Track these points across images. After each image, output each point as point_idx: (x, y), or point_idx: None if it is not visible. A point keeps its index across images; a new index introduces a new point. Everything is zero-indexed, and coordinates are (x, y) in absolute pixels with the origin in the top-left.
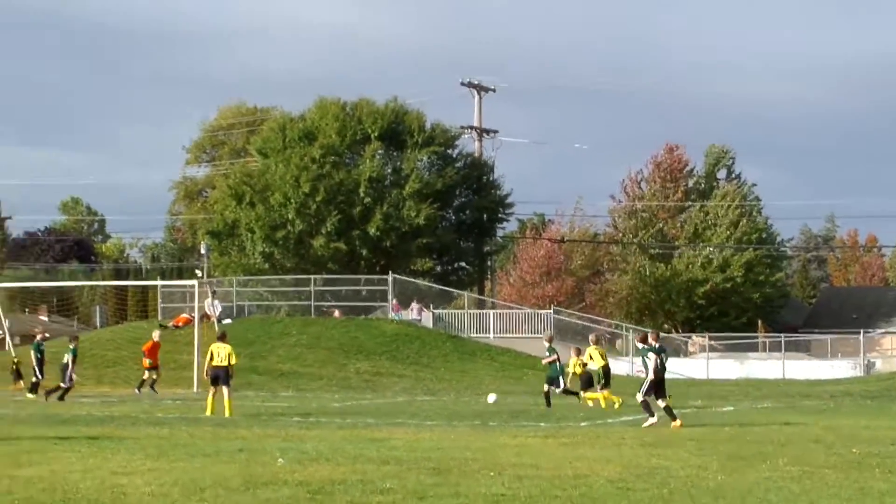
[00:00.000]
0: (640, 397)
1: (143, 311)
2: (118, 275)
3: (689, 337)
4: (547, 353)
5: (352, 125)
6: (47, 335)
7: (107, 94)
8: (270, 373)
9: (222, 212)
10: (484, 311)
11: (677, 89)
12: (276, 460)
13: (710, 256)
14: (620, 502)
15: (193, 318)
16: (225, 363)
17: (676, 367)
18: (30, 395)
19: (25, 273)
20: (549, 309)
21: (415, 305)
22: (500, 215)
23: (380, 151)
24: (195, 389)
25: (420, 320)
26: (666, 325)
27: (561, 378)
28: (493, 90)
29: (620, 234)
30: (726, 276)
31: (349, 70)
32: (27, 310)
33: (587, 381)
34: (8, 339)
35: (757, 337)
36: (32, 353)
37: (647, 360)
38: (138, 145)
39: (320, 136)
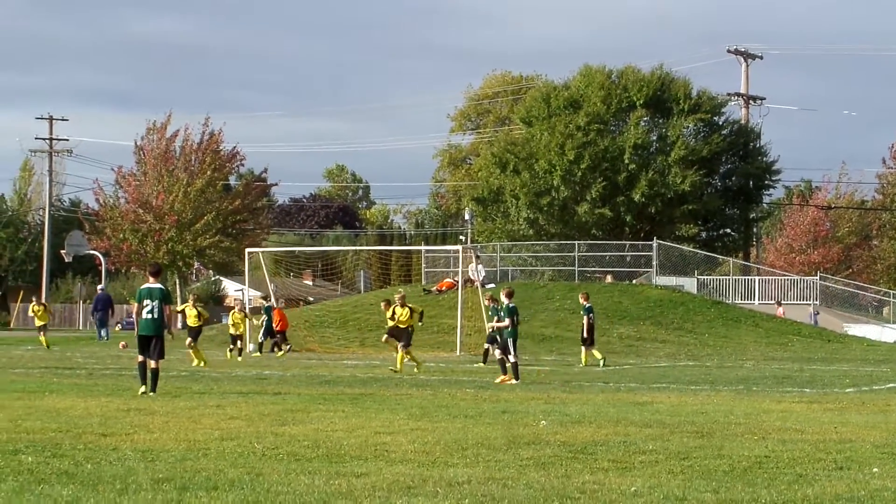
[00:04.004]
0: (497, 354)
1: (406, 275)
2: (382, 240)
3: None
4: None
5: (617, 93)
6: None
7: (374, 63)
8: (533, 337)
9: (487, 179)
10: (749, 278)
11: None
12: (538, 422)
13: None
14: (886, 465)
15: (457, 282)
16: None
17: None
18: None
19: (291, 238)
20: (816, 276)
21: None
22: (766, 182)
23: (645, 119)
24: (458, 353)
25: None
26: None
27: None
28: (761, 57)
29: (888, 201)
30: None
31: (615, 39)
32: (292, 274)
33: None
34: (273, 302)
35: None
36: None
37: (502, 317)
38: (404, 114)
39: (585, 104)
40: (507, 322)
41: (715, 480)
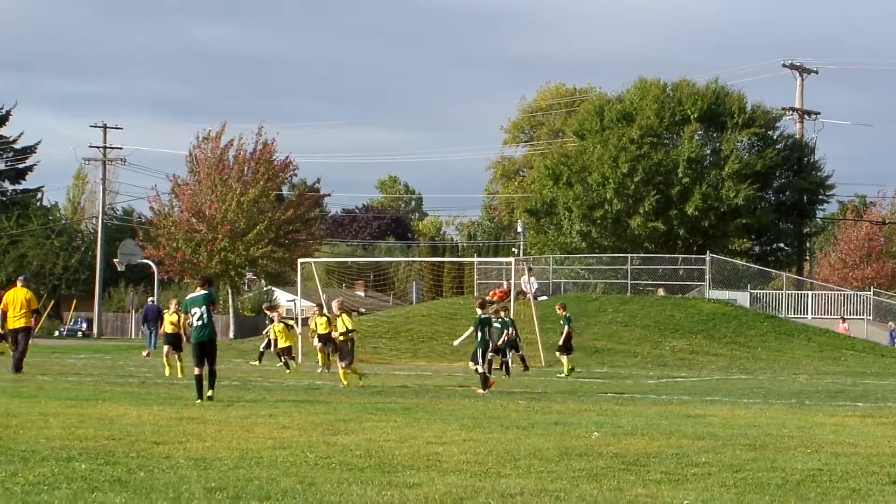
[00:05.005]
0: (471, 365)
1: (458, 287)
2: (434, 252)
3: None
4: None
5: (671, 106)
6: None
7: (428, 74)
8: (585, 349)
9: (540, 191)
10: (802, 292)
11: None
12: (591, 433)
13: None
14: None
15: (508, 292)
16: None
17: None
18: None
19: (343, 249)
20: (869, 291)
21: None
22: (820, 197)
23: (699, 132)
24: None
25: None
26: None
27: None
28: (816, 72)
29: None
30: None
31: (670, 50)
32: (344, 285)
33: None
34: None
35: None
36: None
37: (478, 329)
38: (457, 125)
39: (639, 118)
40: (471, 330)
41: (768, 494)
